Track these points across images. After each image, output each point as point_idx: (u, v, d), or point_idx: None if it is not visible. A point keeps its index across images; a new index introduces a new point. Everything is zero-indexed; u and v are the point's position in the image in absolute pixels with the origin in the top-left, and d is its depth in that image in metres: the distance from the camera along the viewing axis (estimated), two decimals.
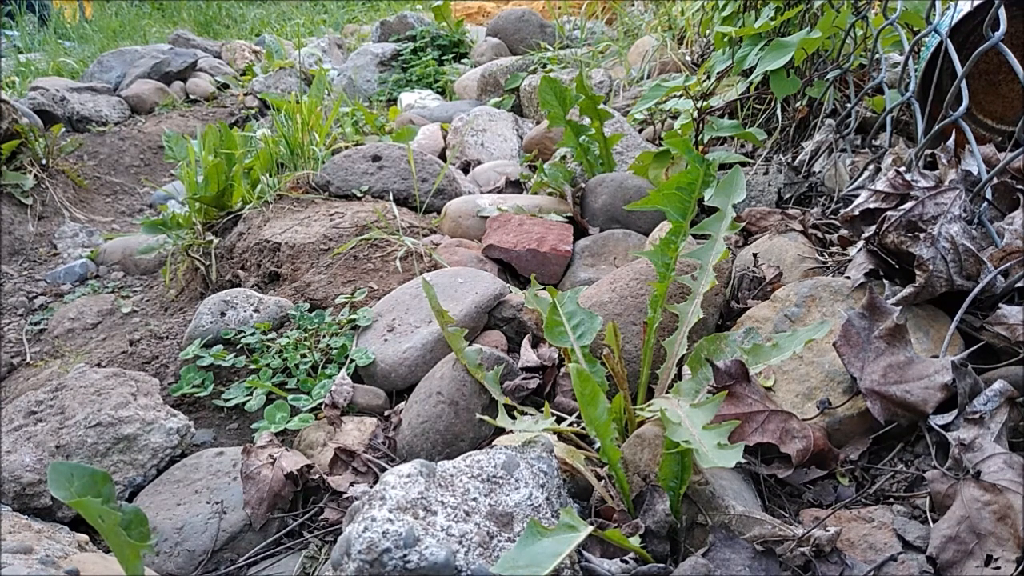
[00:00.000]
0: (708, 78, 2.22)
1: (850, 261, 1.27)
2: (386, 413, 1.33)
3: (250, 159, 2.17)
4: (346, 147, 2.38)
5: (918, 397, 0.99)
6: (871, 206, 1.27)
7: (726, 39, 2.13)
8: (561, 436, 1.09)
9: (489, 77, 3.41)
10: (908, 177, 1.24)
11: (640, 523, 0.91)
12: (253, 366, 1.44)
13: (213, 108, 4.02)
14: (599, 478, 1.02)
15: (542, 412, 1.09)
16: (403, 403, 1.32)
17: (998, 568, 0.78)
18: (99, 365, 1.56)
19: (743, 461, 0.94)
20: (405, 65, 4.13)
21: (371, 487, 1.04)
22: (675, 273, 1.16)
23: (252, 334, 1.49)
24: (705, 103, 2.07)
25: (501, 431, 1.16)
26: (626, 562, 0.86)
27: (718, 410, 0.88)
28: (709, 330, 1.31)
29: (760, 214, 1.60)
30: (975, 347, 1.06)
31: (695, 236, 1.50)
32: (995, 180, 1.21)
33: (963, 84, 1.25)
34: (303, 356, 1.44)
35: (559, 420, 1.19)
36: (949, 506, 0.86)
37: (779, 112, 2.01)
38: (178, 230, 2.04)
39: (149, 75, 4.11)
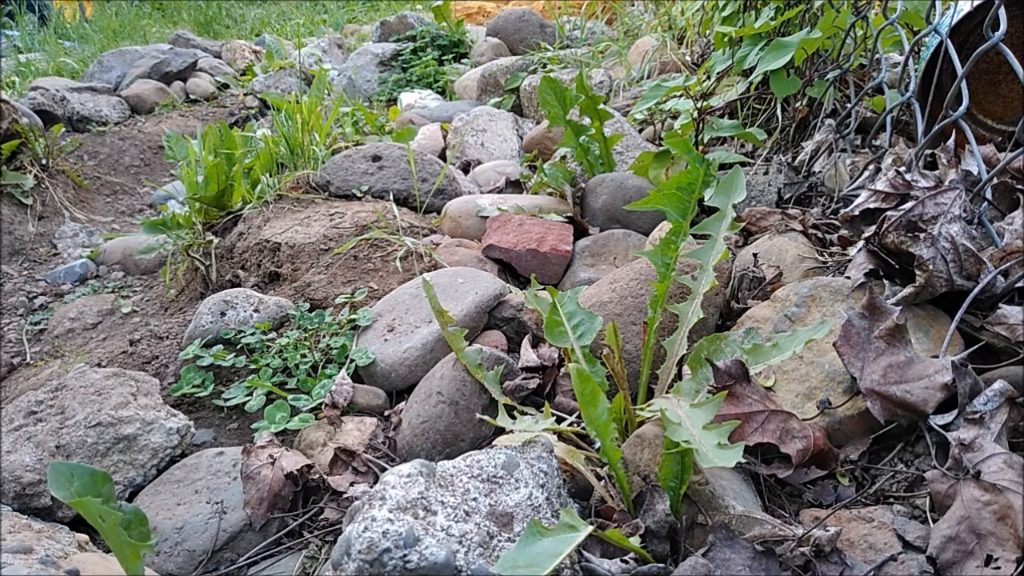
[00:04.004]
0: (708, 78, 2.22)
1: (850, 261, 1.27)
2: (386, 413, 1.34)
3: (250, 159, 2.16)
4: (346, 147, 2.38)
5: (918, 397, 0.99)
6: (871, 206, 1.27)
7: (726, 39, 2.13)
8: (561, 436, 1.09)
9: (489, 77, 3.41)
10: (908, 177, 1.24)
11: (640, 523, 0.91)
12: (253, 366, 1.44)
13: (213, 108, 4.02)
14: (599, 478, 1.02)
15: (542, 412, 1.09)
16: (403, 403, 1.32)
17: (998, 568, 0.78)
18: (99, 365, 1.56)
19: (743, 461, 0.94)
20: (405, 65, 4.13)
21: (371, 487, 1.05)
22: (675, 273, 1.16)
23: (252, 334, 1.49)
24: (705, 103, 2.07)
25: (501, 431, 1.15)
26: (626, 562, 0.86)
27: (718, 410, 0.88)
28: (709, 330, 1.31)
29: (760, 214, 1.60)
30: (975, 347, 1.06)
31: (695, 236, 1.50)
32: (995, 180, 1.21)
33: (963, 84, 1.25)
34: (303, 356, 1.44)
35: (559, 420, 1.19)
36: (949, 506, 0.86)
37: (779, 112, 2.01)
38: (178, 230, 2.04)
39: (149, 75, 4.11)
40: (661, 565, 0.86)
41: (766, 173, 1.82)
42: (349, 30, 5.91)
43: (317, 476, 1.16)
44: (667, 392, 1.12)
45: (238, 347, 1.49)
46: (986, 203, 1.22)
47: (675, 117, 2.34)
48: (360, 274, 1.70)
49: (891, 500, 0.96)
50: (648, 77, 2.83)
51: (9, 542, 0.92)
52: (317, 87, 2.73)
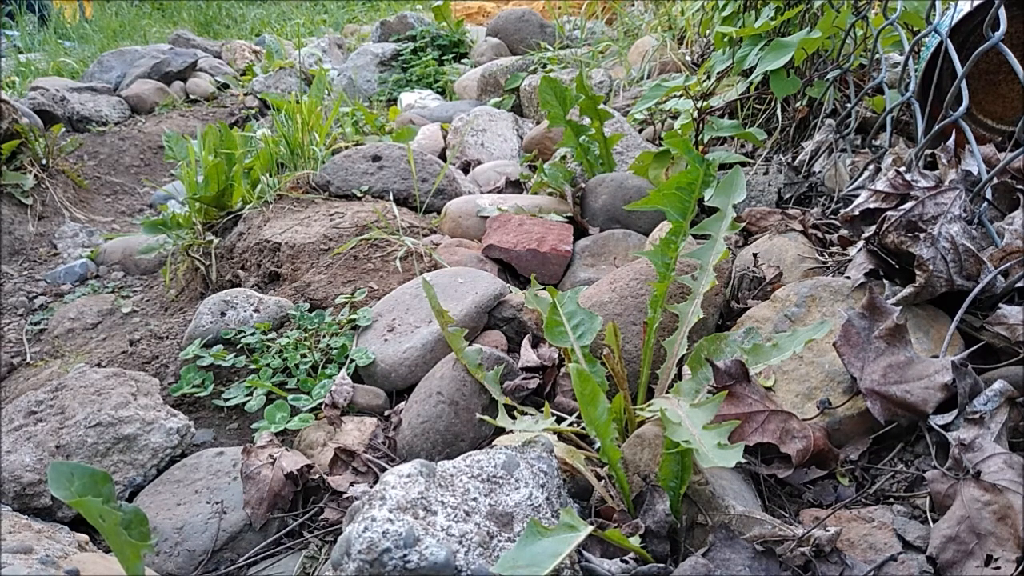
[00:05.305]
0: (708, 78, 2.22)
1: (850, 261, 1.27)
2: (386, 413, 1.34)
3: (250, 159, 2.16)
4: (346, 147, 2.38)
5: (918, 397, 0.99)
6: (871, 206, 1.27)
7: (726, 39, 2.13)
8: (561, 436, 1.09)
9: (489, 77, 3.41)
10: (908, 177, 1.24)
11: (640, 523, 0.91)
12: (253, 366, 1.44)
13: (213, 108, 4.02)
14: (599, 478, 1.02)
15: (542, 412, 1.09)
16: (403, 403, 1.32)
17: (998, 568, 0.78)
18: (99, 365, 1.56)
19: (743, 461, 0.94)
20: (405, 65, 4.13)
21: (371, 487, 1.05)
22: (675, 273, 1.16)
23: (252, 334, 1.49)
24: (705, 103, 2.07)
25: (501, 431, 1.16)
26: (626, 562, 0.86)
27: (718, 410, 0.88)
28: (709, 330, 1.31)
29: (760, 214, 1.60)
30: (975, 347, 1.06)
31: (695, 236, 1.50)
32: (995, 180, 1.21)
33: (963, 84, 1.25)
34: (303, 356, 1.44)
35: (559, 420, 1.19)
36: (949, 506, 0.86)
37: (779, 112, 2.01)
38: (178, 230, 2.04)
39: (149, 75, 4.11)
40: (661, 565, 0.86)
41: (766, 173, 1.82)
42: (349, 30, 5.91)
43: (317, 476, 1.16)
44: (667, 392, 1.12)
45: (238, 347, 1.49)
46: (986, 203, 1.22)
47: (675, 117, 2.34)
48: (360, 274, 1.70)
49: (891, 500, 0.96)
50: (648, 77, 2.83)
51: (9, 542, 0.92)
52: (317, 87, 2.73)
